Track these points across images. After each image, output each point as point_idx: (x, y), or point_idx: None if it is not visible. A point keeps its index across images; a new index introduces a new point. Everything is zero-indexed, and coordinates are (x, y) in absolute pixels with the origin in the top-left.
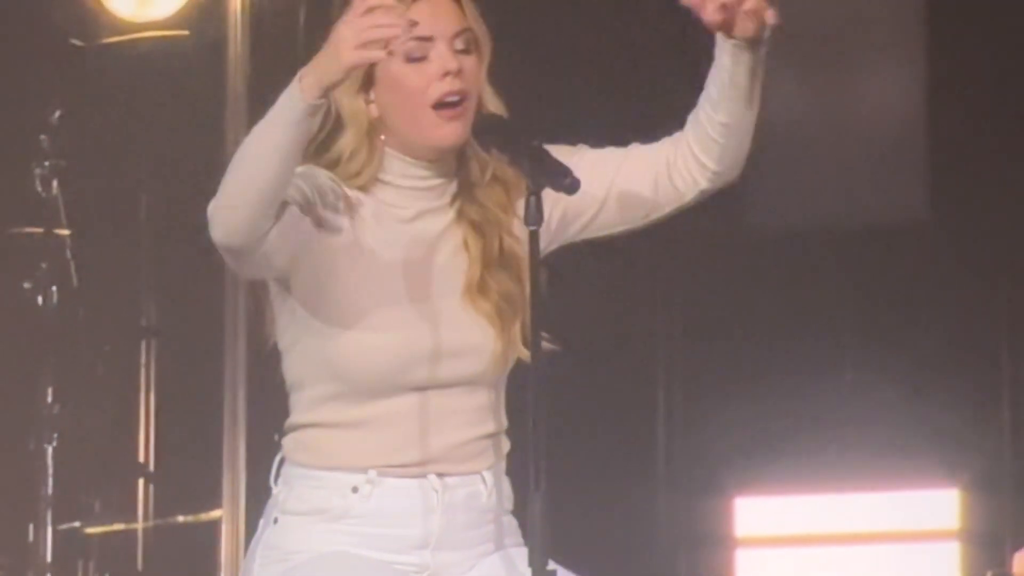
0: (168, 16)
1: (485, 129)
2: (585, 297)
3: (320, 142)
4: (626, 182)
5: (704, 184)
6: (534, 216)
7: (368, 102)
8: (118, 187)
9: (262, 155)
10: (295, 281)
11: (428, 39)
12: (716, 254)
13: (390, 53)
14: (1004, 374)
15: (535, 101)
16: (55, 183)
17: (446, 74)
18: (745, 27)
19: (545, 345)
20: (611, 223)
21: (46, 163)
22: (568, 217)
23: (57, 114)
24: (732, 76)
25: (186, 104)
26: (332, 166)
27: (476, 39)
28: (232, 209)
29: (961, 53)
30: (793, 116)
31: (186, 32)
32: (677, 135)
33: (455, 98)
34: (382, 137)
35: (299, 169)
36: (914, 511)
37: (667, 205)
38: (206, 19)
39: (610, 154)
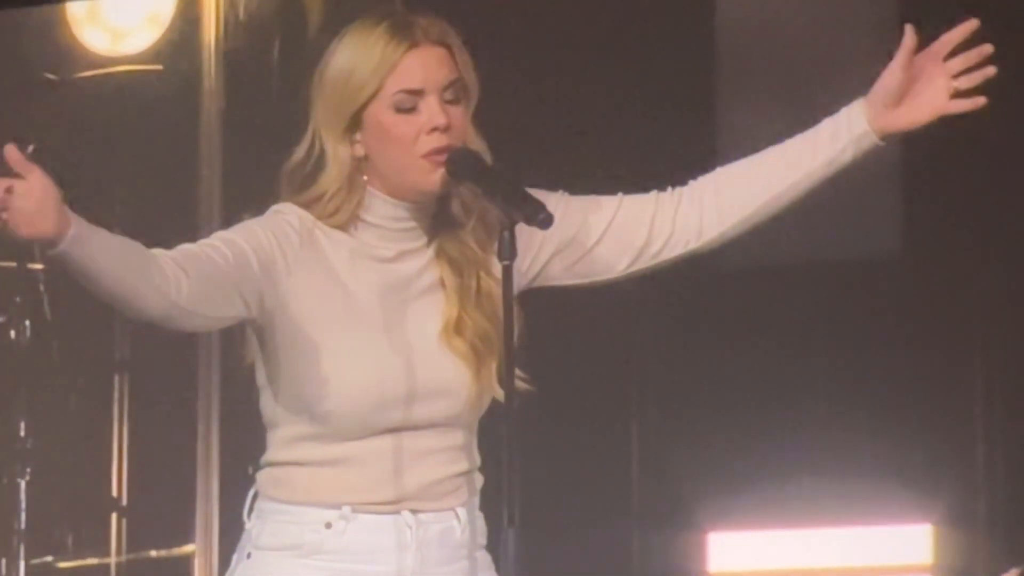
0: (142, 50)
1: (459, 163)
2: (558, 334)
3: (303, 179)
4: (624, 221)
5: (698, 244)
6: (507, 251)
7: (354, 142)
8: (91, 220)
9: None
10: (266, 323)
11: (418, 92)
12: (688, 289)
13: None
14: (977, 409)
15: (521, 147)
16: None
17: (434, 129)
18: (924, 111)
19: (519, 384)
20: (598, 267)
21: None
22: (562, 253)
23: (31, 148)
24: (836, 156)
25: (160, 138)
26: (312, 203)
27: (465, 88)
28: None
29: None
30: (764, 138)
31: (160, 67)
32: (679, 189)
33: (443, 151)
34: (364, 177)
35: (274, 207)
36: (887, 546)
37: (653, 253)
38: (180, 54)
39: (604, 198)
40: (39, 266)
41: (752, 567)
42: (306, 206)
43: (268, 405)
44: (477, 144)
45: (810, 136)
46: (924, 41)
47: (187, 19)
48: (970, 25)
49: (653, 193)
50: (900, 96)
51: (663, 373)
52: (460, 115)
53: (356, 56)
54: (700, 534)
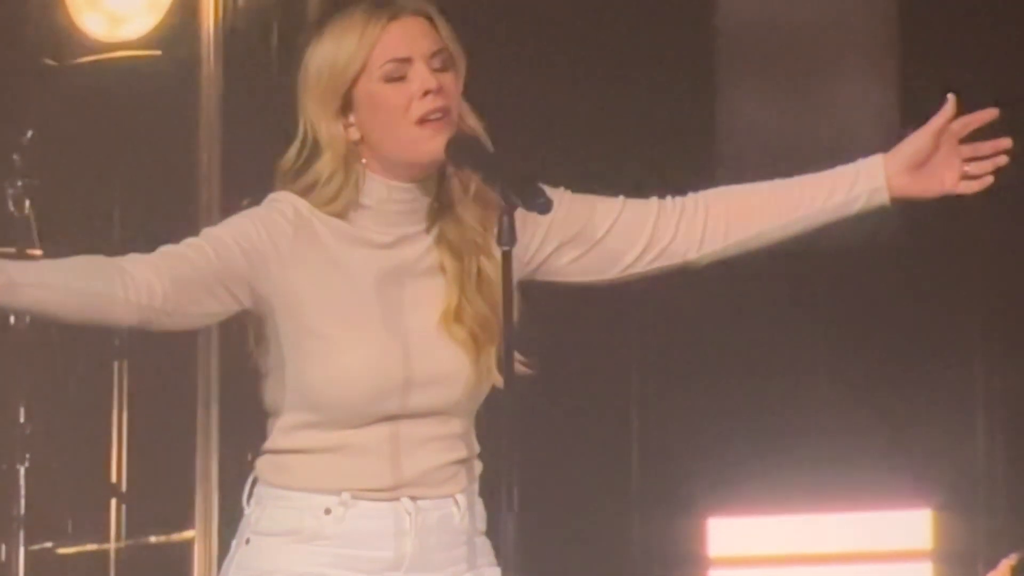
0: (141, 36)
1: (459, 147)
2: (558, 319)
3: (298, 167)
4: (629, 219)
5: (698, 254)
6: (507, 236)
7: (347, 126)
8: (91, 206)
9: None
10: (263, 314)
11: (406, 60)
12: (687, 276)
13: None
14: (977, 394)
15: (520, 143)
16: (27, 202)
17: (427, 93)
18: (936, 184)
19: (519, 368)
20: (604, 262)
21: (19, 182)
22: (568, 246)
23: (29, 133)
24: (848, 202)
25: (159, 124)
26: (308, 190)
27: (452, 57)
28: None
29: (935, 71)
30: (762, 134)
31: (159, 52)
32: (680, 199)
33: (438, 115)
34: (363, 161)
35: (271, 195)
36: (887, 531)
37: (653, 257)
38: (179, 39)
39: (608, 198)
40: (38, 252)
41: (752, 552)
42: (303, 194)
43: (268, 393)
44: (472, 121)
45: (828, 176)
46: (923, 33)
47: (186, 4)
48: (990, 113)
49: (654, 199)
50: (922, 163)
51: (663, 359)
52: (451, 82)
53: (339, 39)
54: (700, 519)
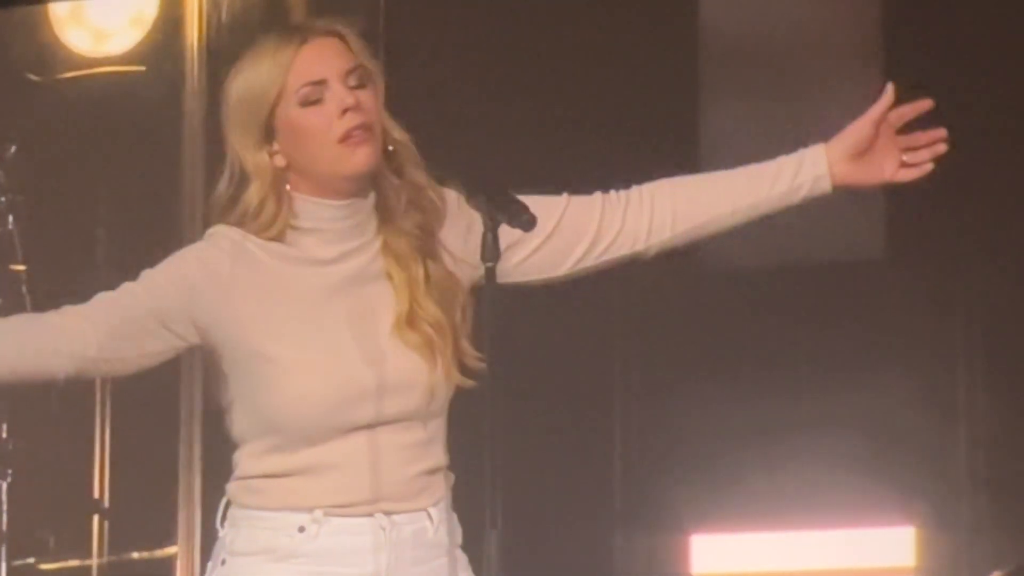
0: (125, 51)
1: (443, 167)
2: (540, 334)
3: (229, 198)
4: (573, 218)
5: (645, 245)
6: (491, 252)
7: (272, 153)
8: (74, 222)
9: None
10: (213, 346)
11: (321, 82)
12: (672, 290)
13: None
14: (960, 412)
15: (501, 148)
16: (11, 218)
17: (345, 111)
18: (876, 173)
19: (475, 365)
20: (547, 264)
21: (1, 198)
22: (512, 249)
23: (13, 149)
24: (791, 191)
25: (143, 139)
26: (242, 220)
27: (368, 72)
28: None
29: (919, 88)
30: (747, 151)
31: (143, 68)
32: (624, 192)
33: (359, 131)
34: (287, 186)
35: (209, 231)
36: (870, 549)
37: (600, 251)
38: (163, 55)
39: (550, 196)
40: (21, 267)
41: (735, 569)
42: (238, 224)
43: (233, 425)
44: (398, 133)
45: (771, 166)
46: (907, 48)
47: (170, 20)
48: (924, 104)
49: (597, 194)
50: (862, 151)
51: (646, 375)
52: (369, 98)
53: (253, 68)
54: (683, 536)
